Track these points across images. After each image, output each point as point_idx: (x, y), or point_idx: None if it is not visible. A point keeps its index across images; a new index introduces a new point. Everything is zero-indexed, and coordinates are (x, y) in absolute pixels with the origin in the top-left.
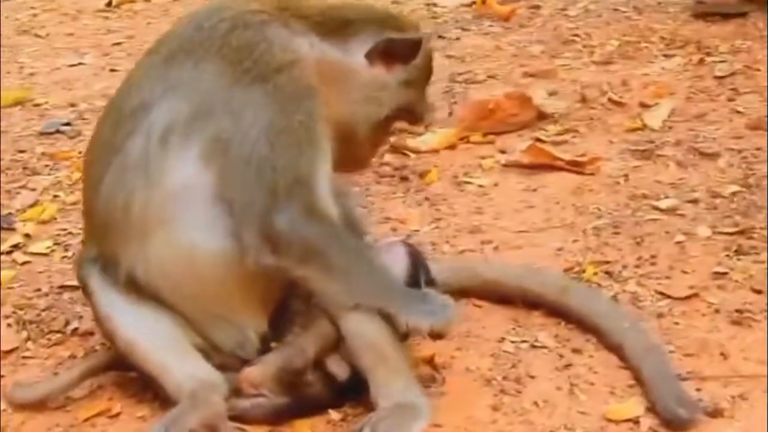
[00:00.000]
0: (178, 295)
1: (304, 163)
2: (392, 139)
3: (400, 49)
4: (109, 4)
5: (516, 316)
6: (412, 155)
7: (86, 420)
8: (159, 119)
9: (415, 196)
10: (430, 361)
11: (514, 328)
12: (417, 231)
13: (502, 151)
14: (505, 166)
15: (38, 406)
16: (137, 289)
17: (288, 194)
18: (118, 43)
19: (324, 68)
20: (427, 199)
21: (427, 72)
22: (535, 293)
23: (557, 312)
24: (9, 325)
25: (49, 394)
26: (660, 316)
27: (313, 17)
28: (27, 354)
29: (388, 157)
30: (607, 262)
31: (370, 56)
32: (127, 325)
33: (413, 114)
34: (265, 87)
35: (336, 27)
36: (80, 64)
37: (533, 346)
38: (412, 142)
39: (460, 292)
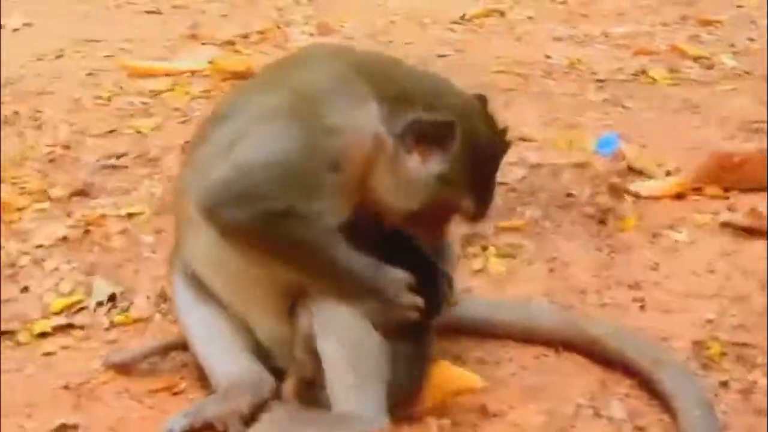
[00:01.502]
0: (218, 291)
1: (283, 190)
2: (615, 180)
3: (432, 133)
4: (463, 17)
5: (607, 379)
6: (630, 199)
7: (151, 391)
8: (224, 132)
9: (599, 240)
10: (481, 409)
11: (592, 391)
12: (576, 276)
13: (731, 209)
14: (721, 225)
15: (122, 369)
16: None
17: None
18: (443, 56)
19: (376, 143)
20: (609, 245)
21: (472, 163)
22: (628, 358)
23: (647, 383)
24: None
25: (132, 359)
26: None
27: (385, 87)
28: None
29: (602, 198)
30: (747, 345)
31: (403, 140)
32: (188, 315)
33: (460, 211)
34: (301, 135)
35: (393, 101)
36: None
37: (597, 415)
38: (634, 185)
39: (564, 345)
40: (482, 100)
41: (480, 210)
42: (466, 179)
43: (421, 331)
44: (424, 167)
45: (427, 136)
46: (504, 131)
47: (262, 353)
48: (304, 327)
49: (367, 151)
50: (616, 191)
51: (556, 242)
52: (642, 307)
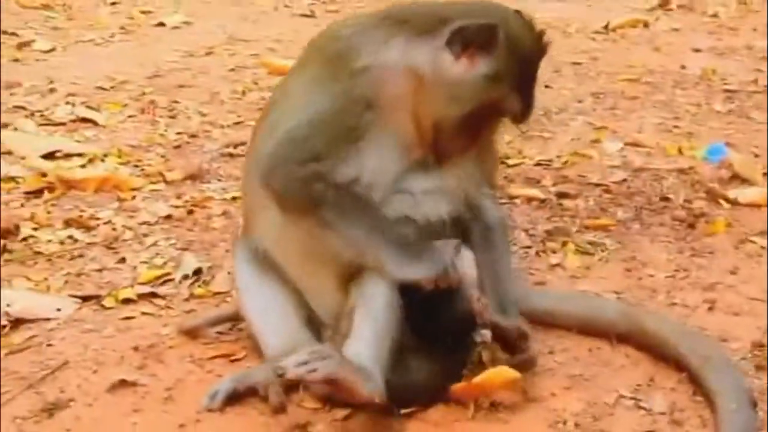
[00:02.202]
0: (284, 267)
1: (325, 143)
2: (712, 185)
3: (476, 37)
4: (606, 27)
5: (657, 373)
6: (726, 205)
7: (211, 358)
8: (273, 113)
9: (683, 243)
10: (522, 393)
11: (638, 384)
12: (652, 276)
13: None
14: None
15: (191, 334)
16: (268, 260)
17: (290, 155)
18: (577, 63)
19: (413, 73)
20: (692, 249)
21: (516, 63)
22: (678, 352)
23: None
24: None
25: (200, 325)
26: None
27: (412, 20)
28: None
29: (698, 203)
30: None
31: (451, 49)
32: (247, 288)
33: (507, 111)
34: (334, 87)
35: (431, 26)
36: None
37: (637, 406)
38: (733, 192)
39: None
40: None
41: (525, 109)
42: (511, 79)
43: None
44: (472, 70)
45: (472, 41)
46: (542, 33)
47: (316, 329)
48: (350, 303)
49: (400, 83)
50: (714, 196)
51: (639, 243)
52: (710, 309)
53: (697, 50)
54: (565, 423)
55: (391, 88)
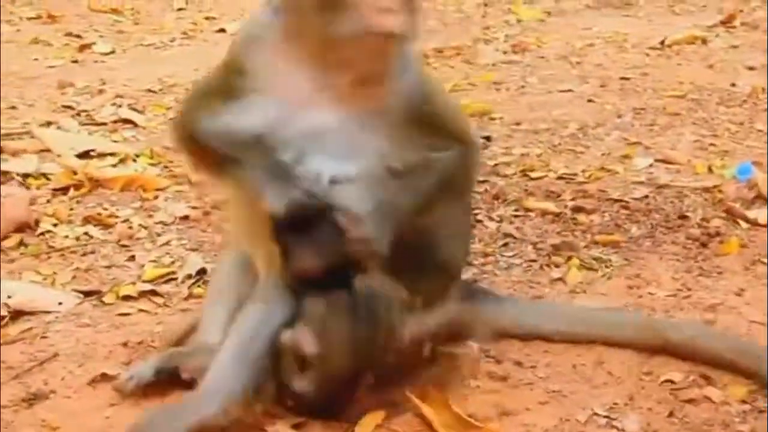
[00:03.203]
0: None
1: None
2: (732, 204)
3: None
4: (662, 43)
5: (637, 393)
6: (744, 225)
7: None
8: None
9: (694, 262)
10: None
11: (615, 402)
12: (652, 294)
13: None
14: None
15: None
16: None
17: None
18: (625, 78)
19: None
20: (701, 268)
21: None
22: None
23: None
24: None
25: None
26: None
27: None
28: None
29: (715, 222)
30: None
31: None
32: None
33: None
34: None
35: None
36: (569, 91)
37: (610, 425)
38: (752, 212)
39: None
40: None
41: None
42: None
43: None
44: None
45: None
46: None
47: None
48: None
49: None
50: (733, 216)
51: (647, 261)
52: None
53: (751, 68)
54: None
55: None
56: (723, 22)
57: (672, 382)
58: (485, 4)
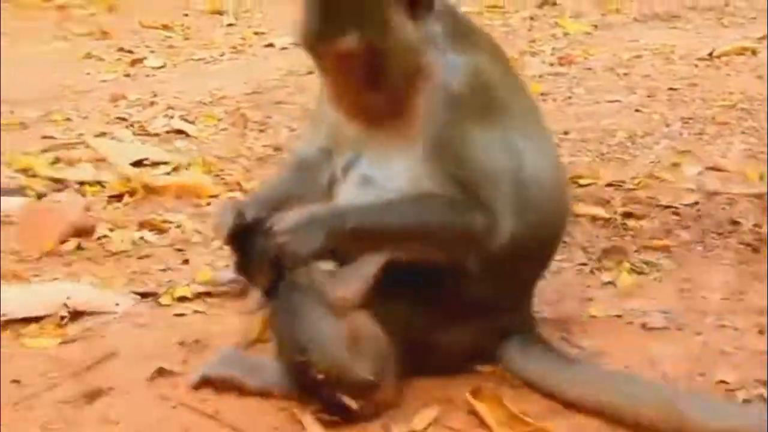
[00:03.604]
0: None
1: None
2: None
3: None
4: (710, 54)
5: None
6: None
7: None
8: None
9: (746, 267)
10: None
11: None
12: (704, 297)
13: None
14: None
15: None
16: None
17: None
18: (674, 89)
19: None
20: (752, 273)
21: None
22: None
23: None
24: None
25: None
26: None
27: None
28: None
29: (765, 228)
30: None
31: None
32: None
33: None
34: None
35: None
36: (617, 101)
37: None
38: None
39: None
40: None
41: None
42: None
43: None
44: None
45: None
46: None
47: None
48: None
49: None
50: None
51: (698, 265)
52: (760, 332)
53: None
54: None
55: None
56: None
57: (726, 383)
58: (531, 18)
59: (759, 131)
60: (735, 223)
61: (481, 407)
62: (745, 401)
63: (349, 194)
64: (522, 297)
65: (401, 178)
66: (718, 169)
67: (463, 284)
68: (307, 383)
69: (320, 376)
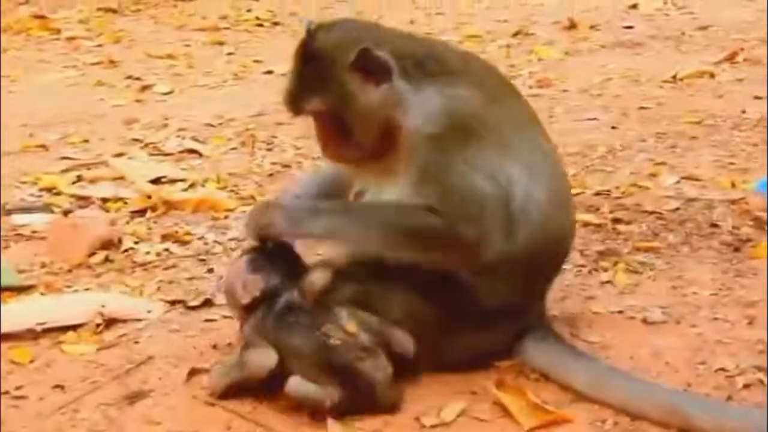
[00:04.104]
0: None
1: None
2: (760, 213)
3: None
4: (674, 77)
5: None
6: None
7: None
8: None
9: (729, 265)
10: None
11: (685, 389)
12: (696, 293)
13: None
14: None
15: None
16: None
17: None
18: (644, 108)
19: None
20: (736, 270)
21: None
22: None
23: None
24: None
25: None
26: None
27: None
28: None
29: (745, 230)
30: None
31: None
32: None
33: None
34: None
35: None
36: (594, 119)
37: None
38: None
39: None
40: None
41: None
42: None
43: None
44: None
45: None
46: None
47: None
48: None
49: None
50: (760, 224)
51: (686, 264)
52: (750, 323)
53: (758, 97)
54: None
55: None
56: (727, 59)
57: (725, 370)
58: (508, 46)
59: (726, 144)
60: (715, 225)
61: (505, 398)
62: (745, 386)
63: None
64: (537, 298)
65: None
66: (694, 178)
67: (484, 288)
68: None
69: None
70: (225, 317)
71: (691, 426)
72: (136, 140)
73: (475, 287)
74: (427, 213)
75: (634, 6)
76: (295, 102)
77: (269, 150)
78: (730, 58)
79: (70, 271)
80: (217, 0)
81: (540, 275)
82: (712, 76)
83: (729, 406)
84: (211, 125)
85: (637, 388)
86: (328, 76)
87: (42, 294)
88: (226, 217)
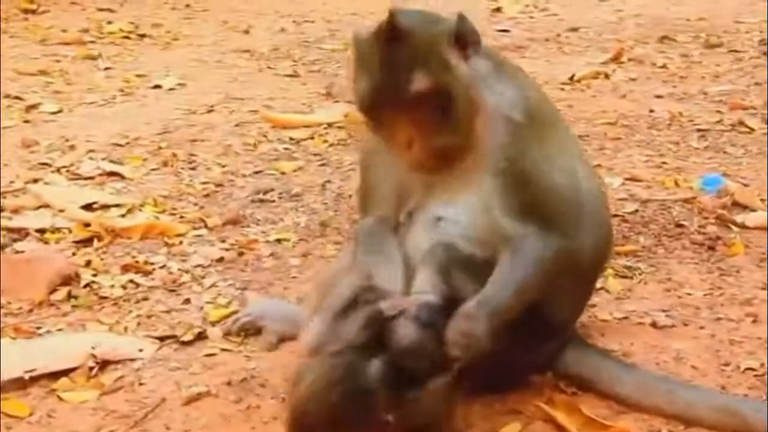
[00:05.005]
0: None
1: None
2: (720, 211)
3: None
4: (571, 78)
5: None
6: (736, 229)
7: None
8: None
9: (709, 264)
10: None
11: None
12: (690, 294)
13: None
14: None
15: None
16: None
17: None
18: None
19: None
20: (719, 269)
21: None
22: None
23: None
24: None
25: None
26: None
27: None
28: None
29: (710, 228)
30: None
31: None
32: None
33: None
34: None
35: None
36: None
37: None
38: (740, 217)
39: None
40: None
41: None
42: None
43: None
44: None
45: None
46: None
47: None
48: None
49: None
50: (724, 222)
51: (669, 266)
52: (754, 321)
53: (659, 96)
54: None
55: None
56: (613, 59)
57: (753, 369)
58: None
59: (650, 144)
60: (680, 225)
61: (559, 415)
62: None
63: (418, 237)
64: (580, 311)
65: (472, 212)
66: (636, 180)
67: (538, 306)
68: None
69: None
70: (224, 350)
71: (750, 428)
72: (45, 164)
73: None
74: (543, 245)
75: (498, 9)
76: (394, 87)
77: (193, 169)
78: (616, 59)
79: (31, 311)
80: (68, 13)
81: (592, 282)
82: (607, 76)
83: None
84: (119, 145)
85: (690, 394)
86: (429, 51)
87: (13, 339)
88: (180, 243)
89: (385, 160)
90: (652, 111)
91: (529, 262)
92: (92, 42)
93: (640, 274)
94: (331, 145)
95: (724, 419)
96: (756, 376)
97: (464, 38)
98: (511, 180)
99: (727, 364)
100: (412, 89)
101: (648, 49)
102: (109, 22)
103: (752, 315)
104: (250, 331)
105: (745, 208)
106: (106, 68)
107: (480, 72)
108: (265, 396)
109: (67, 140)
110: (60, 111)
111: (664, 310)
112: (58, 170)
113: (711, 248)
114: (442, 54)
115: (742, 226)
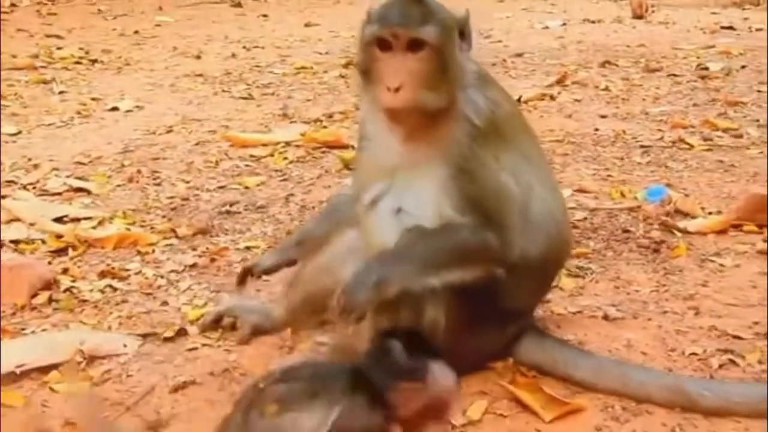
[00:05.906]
0: None
1: None
2: (664, 218)
3: None
4: (519, 99)
5: None
6: (679, 234)
7: None
8: None
9: (655, 265)
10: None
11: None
12: (638, 291)
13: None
14: (758, 252)
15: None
16: None
17: None
18: None
19: None
20: (664, 269)
21: None
22: None
23: None
24: None
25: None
26: None
27: None
28: None
29: (655, 233)
30: None
31: None
32: None
33: None
34: None
35: None
36: None
37: None
38: (682, 223)
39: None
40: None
41: None
42: None
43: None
44: None
45: None
46: None
47: None
48: None
49: None
50: (667, 227)
51: (617, 266)
52: (696, 314)
53: (604, 116)
54: None
55: None
56: (557, 82)
57: (696, 354)
58: (342, 76)
59: (596, 159)
60: (627, 231)
61: (523, 394)
62: (721, 366)
63: (381, 225)
64: (536, 303)
65: (429, 206)
66: (585, 191)
67: (504, 290)
68: None
69: None
70: (205, 345)
71: (695, 404)
72: (11, 182)
73: (497, 290)
74: (474, 230)
75: None
76: (408, 25)
77: (158, 185)
78: (560, 82)
79: (14, 313)
80: (16, 39)
81: (548, 278)
82: (553, 98)
83: (728, 383)
84: (82, 163)
85: (640, 375)
86: (443, 20)
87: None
88: (153, 251)
89: (375, 129)
90: (597, 129)
91: (440, 241)
92: (44, 67)
93: (591, 274)
94: (291, 162)
95: (672, 397)
96: (700, 360)
97: (466, 34)
98: (461, 176)
99: (673, 350)
100: (423, 35)
101: (591, 72)
102: (59, 48)
103: (694, 308)
104: (226, 325)
105: (686, 215)
106: (61, 92)
107: (468, 69)
108: (246, 383)
109: (29, 159)
110: (19, 132)
111: (614, 305)
112: (25, 187)
113: (656, 251)
114: (452, 32)
115: (685, 231)
